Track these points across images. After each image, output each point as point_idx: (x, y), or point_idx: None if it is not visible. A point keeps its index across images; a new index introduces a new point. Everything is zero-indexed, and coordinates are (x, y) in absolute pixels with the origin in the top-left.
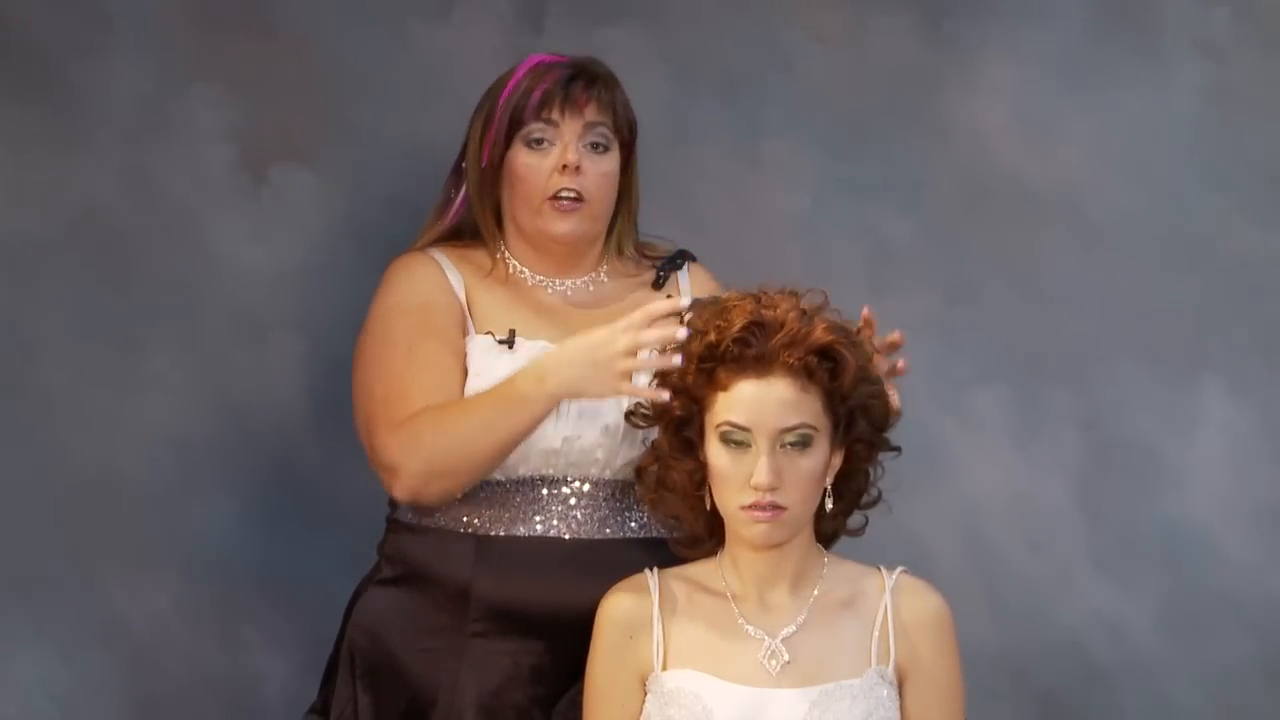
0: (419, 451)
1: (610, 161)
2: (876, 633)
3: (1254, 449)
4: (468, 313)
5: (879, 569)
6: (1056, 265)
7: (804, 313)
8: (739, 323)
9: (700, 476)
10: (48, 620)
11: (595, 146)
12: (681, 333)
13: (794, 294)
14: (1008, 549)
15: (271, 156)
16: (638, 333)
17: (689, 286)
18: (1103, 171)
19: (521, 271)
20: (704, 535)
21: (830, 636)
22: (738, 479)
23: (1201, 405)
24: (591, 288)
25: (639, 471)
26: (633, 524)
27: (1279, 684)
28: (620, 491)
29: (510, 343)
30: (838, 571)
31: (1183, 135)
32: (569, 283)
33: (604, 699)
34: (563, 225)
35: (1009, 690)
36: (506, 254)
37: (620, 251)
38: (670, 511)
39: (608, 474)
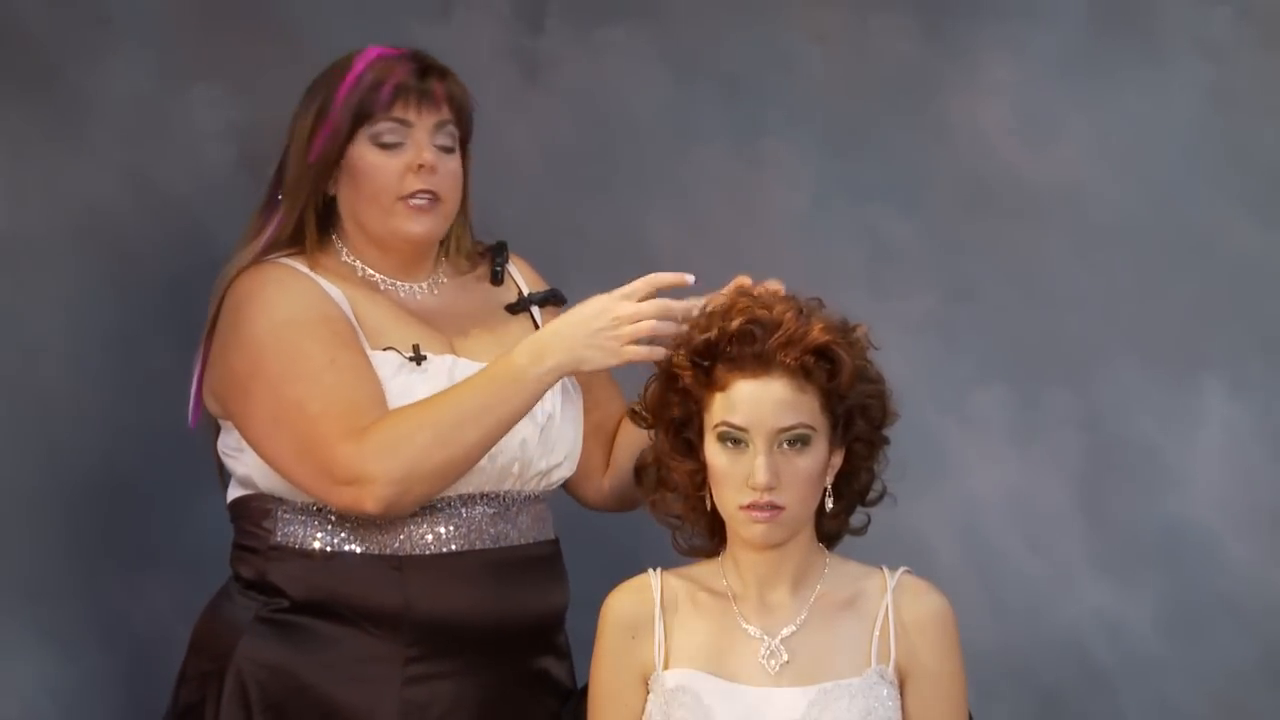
0: (400, 454)
1: (456, 160)
2: (877, 633)
3: (1254, 449)
4: (358, 327)
5: (881, 569)
6: (1056, 265)
7: (801, 312)
8: (737, 321)
9: (701, 477)
10: (48, 620)
11: (444, 148)
12: (681, 307)
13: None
14: (1008, 549)
15: (271, 156)
16: (637, 301)
17: (521, 278)
18: (1103, 171)
19: (373, 275)
20: (706, 536)
21: (830, 636)
22: (736, 479)
23: (1201, 405)
24: (436, 290)
25: (638, 472)
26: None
27: (1279, 684)
28: (515, 499)
29: (419, 359)
30: (839, 571)
31: (1183, 135)
32: (415, 286)
33: (608, 699)
34: (419, 225)
35: (1009, 690)
36: (352, 256)
37: (457, 250)
38: (671, 512)
39: (513, 485)
